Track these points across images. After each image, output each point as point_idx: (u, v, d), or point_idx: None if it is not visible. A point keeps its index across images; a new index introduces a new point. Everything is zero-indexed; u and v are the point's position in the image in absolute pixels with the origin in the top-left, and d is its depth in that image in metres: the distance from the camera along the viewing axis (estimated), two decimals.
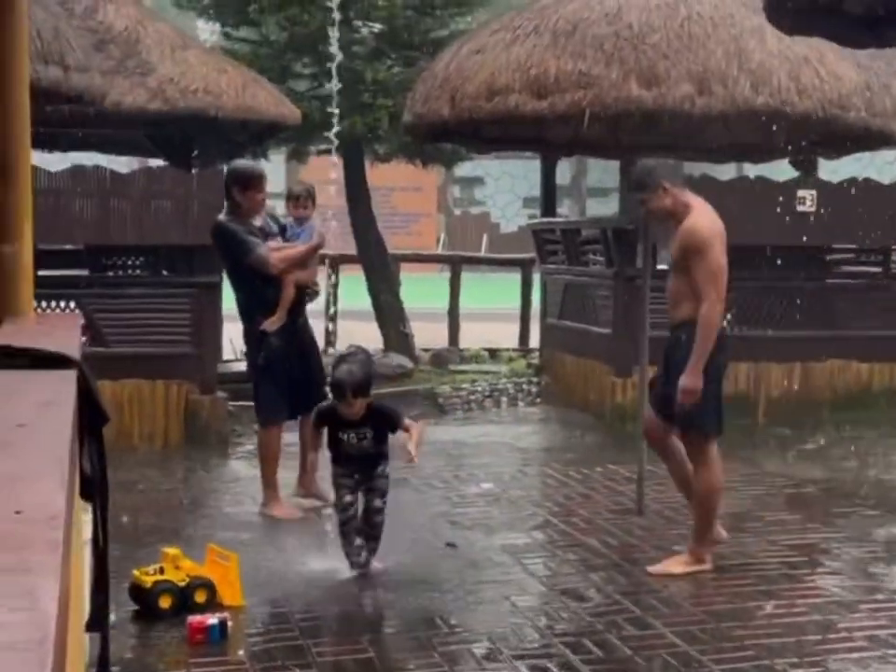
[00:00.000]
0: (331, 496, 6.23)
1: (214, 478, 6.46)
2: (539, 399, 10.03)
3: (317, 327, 11.89)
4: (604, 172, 28.60)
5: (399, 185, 25.80)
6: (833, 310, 9.41)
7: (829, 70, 6.71)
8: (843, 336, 9.38)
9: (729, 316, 9.37)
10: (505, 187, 29.77)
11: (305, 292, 6.33)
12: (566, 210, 26.69)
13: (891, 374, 9.51)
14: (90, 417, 2.27)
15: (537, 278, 11.51)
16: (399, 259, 12.54)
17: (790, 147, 6.11)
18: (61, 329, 3.04)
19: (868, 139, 5.55)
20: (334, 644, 4.27)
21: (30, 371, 2.17)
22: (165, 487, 6.31)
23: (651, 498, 6.42)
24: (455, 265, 12.39)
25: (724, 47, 6.65)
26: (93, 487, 2.29)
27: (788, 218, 9.00)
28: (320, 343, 11.68)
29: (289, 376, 6.15)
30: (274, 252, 6.04)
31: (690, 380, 4.92)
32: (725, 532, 5.31)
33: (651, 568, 5.09)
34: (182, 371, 8.04)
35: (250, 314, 6.18)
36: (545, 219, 10.87)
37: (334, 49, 7.31)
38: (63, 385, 2.00)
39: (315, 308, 7.02)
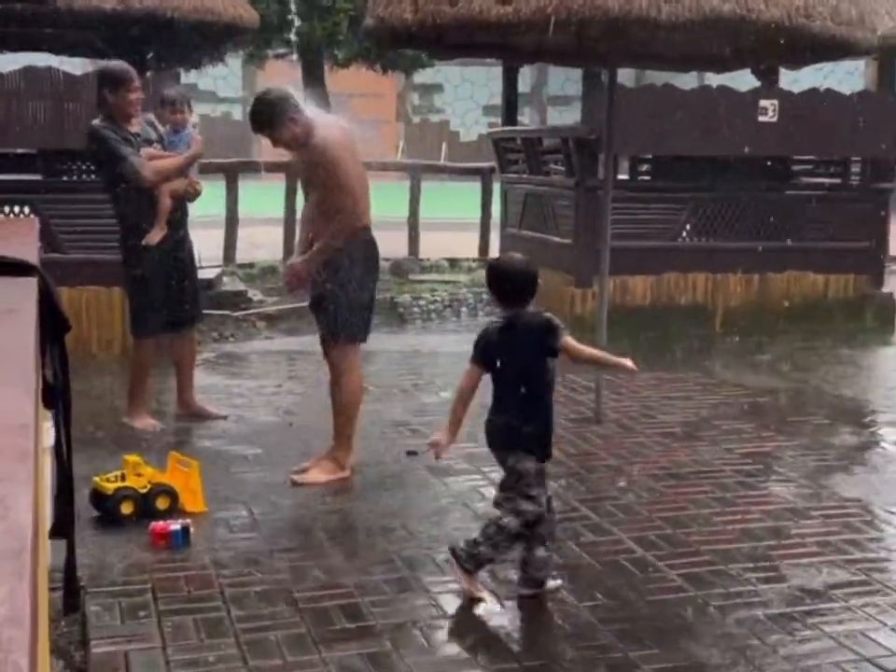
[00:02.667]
0: (212, 410, 6.27)
1: (174, 386, 6.43)
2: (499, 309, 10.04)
3: (271, 234, 11.92)
4: (566, 80, 28.36)
5: (358, 91, 25.41)
6: (792, 221, 9.46)
7: None
8: (800, 248, 9.45)
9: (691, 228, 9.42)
10: (465, 94, 29.43)
11: (185, 201, 6.11)
12: (526, 119, 26.47)
13: (847, 286, 9.62)
14: (51, 325, 2.24)
15: (497, 187, 11.44)
16: None
17: (755, 57, 6.06)
18: (18, 235, 2.98)
19: (832, 48, 5.52)
20: (297, 550, 4.31)
21: None
22: (125, 395, 6.28)
23: (609, 408, 6.49)
24: (416, 173, 12.27)
25: None
26: (56, 395, 2.27)
27: (749, 129, 9.00)
28: (278, 249, 11.67)
29: (167, 290, 6.02)
30: (149, 162, 5.80)
31: (302, 265, 5.04)
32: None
33: (296, 477, 5.09)
34: None
35: (126, 223, 5.96)
36: (506, 128, 10.77)
37: None
38: (23, 293, 1.96)
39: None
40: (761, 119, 8.99)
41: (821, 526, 4.64)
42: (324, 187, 4.96)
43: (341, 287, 5.01)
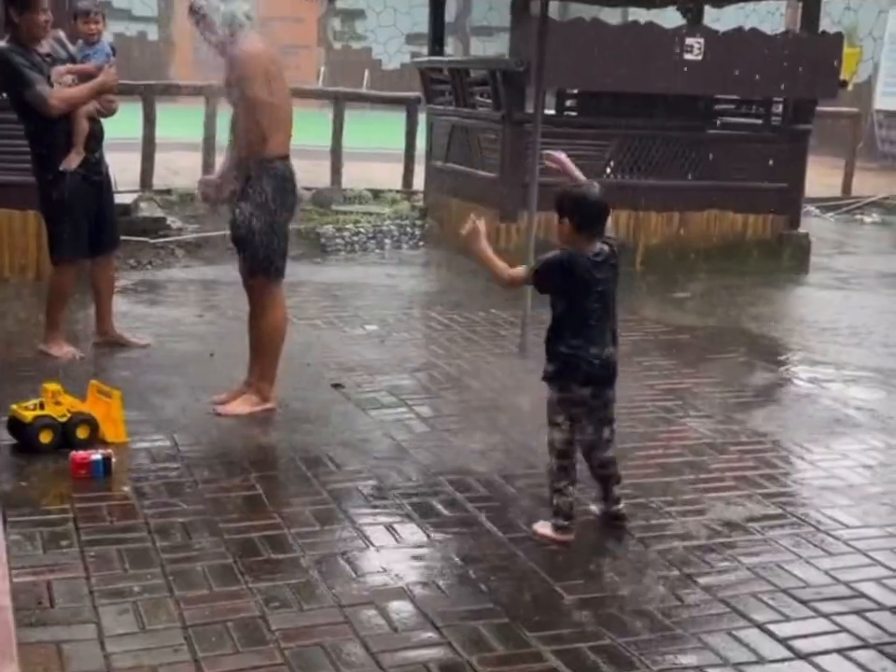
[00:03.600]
0: (132, 338, 6.18)
1: (93, 314, 6.29)
2: (422, 243, 10.00)
3: (189, 159, 11.66)
4: (489, 10, 28.05)
5: (279, 14, 24.85)
6: (714, 160, 9.54)
7: None
8: (721, 186, 9.55)
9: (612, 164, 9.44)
10: (387, 21, 28.89)
11: (100, 122, 5.93)
12: (450, 49, 26.14)
13: (764, 225, 9.75)
14: None
15: (422, 119, 11.33)
16: None
17: None
18: None
19: None
20: (220, 481, 4.28)
21: None
22: (41, 321, 6.13)
23: (533, 343, 6.52)
24: (339, 101, 12.07)
25: None
26: None
27: (675, 66, 9.01)
28: (197, 175, 11.43)
29: (86, 215, 5.86)
30: (56, 91, 5.59)
31: (208, 182, 5.08)
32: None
33: (219, 409, 5.06)
34: None
35: (41, 146, 5.75)
36: (433, 58, 10.64)
37: None
38: None
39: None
40: (686, 56, 9.00)
41: (738, 461, 4.75)
42: (237, 104, 4.82)
43: (257, 221, 4.90)
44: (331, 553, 3.66)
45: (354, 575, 3.52)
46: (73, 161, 5.73)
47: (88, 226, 5.90)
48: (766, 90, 9.50)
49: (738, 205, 9.62)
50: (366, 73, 26.74)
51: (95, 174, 5.92)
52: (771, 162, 9.63)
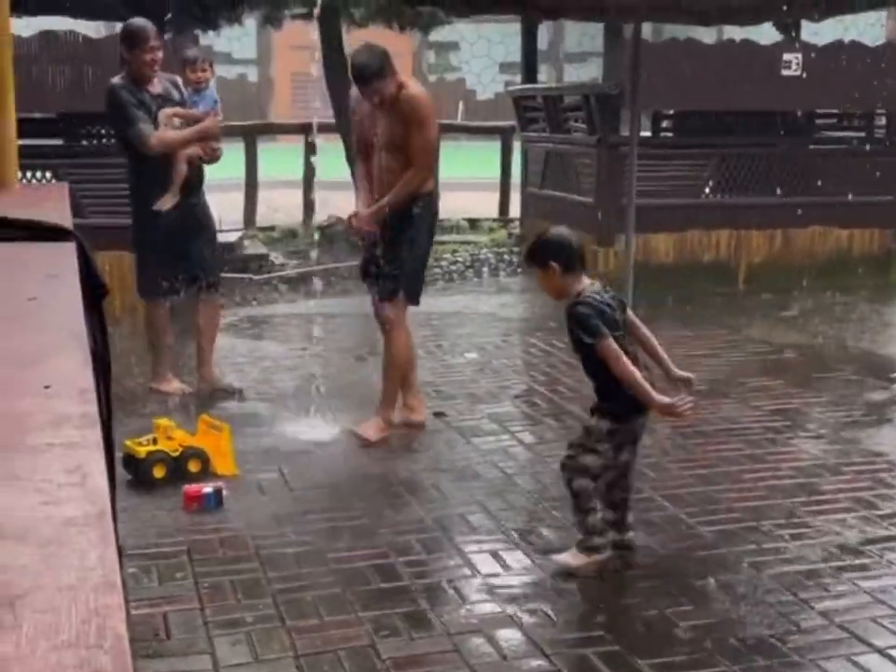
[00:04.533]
0: (225, 384, 6.13)
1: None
2: (519, 269, 10.02)
3: (290, 196, 11.89)
4: (582, 36, 28.05)
5: None
6: (816, 176, 9.37)
7: None
8: (824, 202, 9.37)
9: (712, 184, 9.35)
10: (481, 52, 29.14)
11: (202, 167, 5.98)
12: (543, 76, 26.20)
13: (871, 241, 9.55)
14: (91, 290, 2.24)
15: (516, 146, 11.37)
16: None
17: (784, 7, 5.97)
18: (50, 201, 2.97)
19: None
20: (328, 511, 4.33)
21: (29, 244, 2.13)
22: (145, 360, 6.28)
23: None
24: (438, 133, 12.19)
25: None
26: (97, 361, 2.27)
27: (772, 83, 8.89)
28: (298, 212, 11.65)
29: (175, 255, 5.84)
30: (157, 132, 5.69)
31: (369, 216, 5.13)
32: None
33: (353, 428, 5.21)
34: None
35: (139, 185, 5.86)
36: (526, 86, 10.68)
37: None
38: (64, 258, 1.96)
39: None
40: (784, 72, 8.88)
41: (852, 482, 4.63)
42: (406, 144, 4.99)
43: (403, 246, 5.11)
44: (438, 582, 3.67)
45: (461, 603, 3.52)
46: (166, 203, 5.79)
47: (178, 267, 5.90)
48: (867, 103, 9.30)
49: (843, 221, 9.43)
50: (461, 104, 26.95)
51: (190, 216, 5.92)
52: (876, 176, 9.42)
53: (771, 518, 4.21)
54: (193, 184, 5.94)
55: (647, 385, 3.57)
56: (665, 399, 3.56)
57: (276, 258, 9.79)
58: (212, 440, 4.73)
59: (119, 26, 6.46)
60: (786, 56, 8.89)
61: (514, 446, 5.14)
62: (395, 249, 5.12)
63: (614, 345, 3.57)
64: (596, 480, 3.72)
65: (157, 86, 5.85)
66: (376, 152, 5.14)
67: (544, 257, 3.73)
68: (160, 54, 5.81)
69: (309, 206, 11.52)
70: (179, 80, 6.04)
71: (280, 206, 12.35)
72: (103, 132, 8.42)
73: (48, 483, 0.87)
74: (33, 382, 1.16)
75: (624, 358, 3.57)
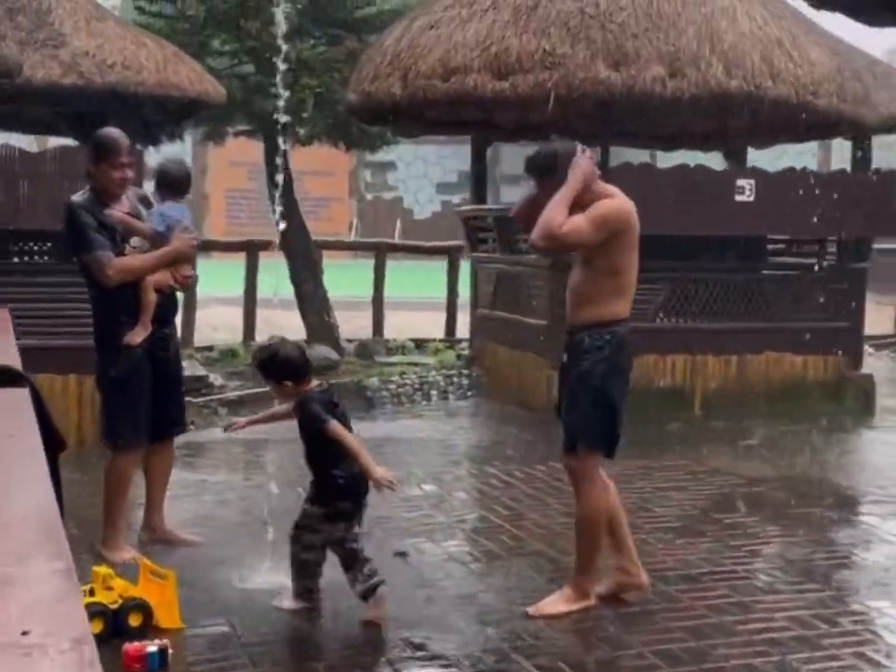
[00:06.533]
0: (182, 535, 5.38)
1: (140, 482, 5.94)
2: (470, 393, 9.72)
3: (229, 314, 11.52)
4: (518, 157, 28.43)
5: (311, 169, 25.19)
6: (769, 302, 9.28)
7: (802, 54, 6.45)
8: (778, 328, 9.26)
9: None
10: (418, 172, 29.32)
11: (173, 294, 5.35)
12: None
13: (825, 367, 9.42)
14: (45, 441, 1.86)
15: (464, 266, 11.19)
16: (322, 245, 12.09)
17: (754, 135, 5.87)
18: None
19: (838, 125, 5.34)
20: (286, 670, 3.89)
21: None
22: (87, 492, 5.77)
23: None
24: (381, 252, 11.99)
25: (695, 27, 6.32)
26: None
27: (726, 208, 8.83)
28: (238, 333, 11.26)
29: (146, 395, 5.14)
30: (118, 260, 4.99)
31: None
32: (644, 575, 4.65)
33: (530, 609, 4.40)
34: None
35: (103, 315, 5.14)
36: (476, 206, 10.54)
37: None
38: (20, 411, 1.60)
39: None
40: (738, 198, 8.83)
41: (853, 635, 4.29)
42: (606, 255, 4.34)
43: (593, 384, 4.34)
44: None
45: None
46: (137, 336, 5.07)
47: (149, 407, 5.20)
48: (820, 229, 9.28)
49: (796, 347, 9.31)
50: (398, 223, 26.99)
51: (162, 350, 5.25)
52: (827, 302, 9.36)
53: None
54: (165, 314, 5.29)
55: (370, 458, 4.33)
56: (381, 470, 4.32)
57: (216, 379, 9.37)
58: (155, 589, 4.26)
59: (53, 141, 6.14)
60: (739, 182, 8.85)
61: (484, 593, 4.73)
62: (579, 388, 4.37)
63: (339, 426, 4.33)
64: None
65: (125, 204, 5.14)
66: None
67: (277, 373, 4.46)
68: (130, 172, 5.11)
69: (250, 325, 11.17)
70: (149, 194, 5.40)
71: (218, 325, 11.97)
72: (36, 248, 8.05)
73: None
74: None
75: (350, 436, 4.38)
